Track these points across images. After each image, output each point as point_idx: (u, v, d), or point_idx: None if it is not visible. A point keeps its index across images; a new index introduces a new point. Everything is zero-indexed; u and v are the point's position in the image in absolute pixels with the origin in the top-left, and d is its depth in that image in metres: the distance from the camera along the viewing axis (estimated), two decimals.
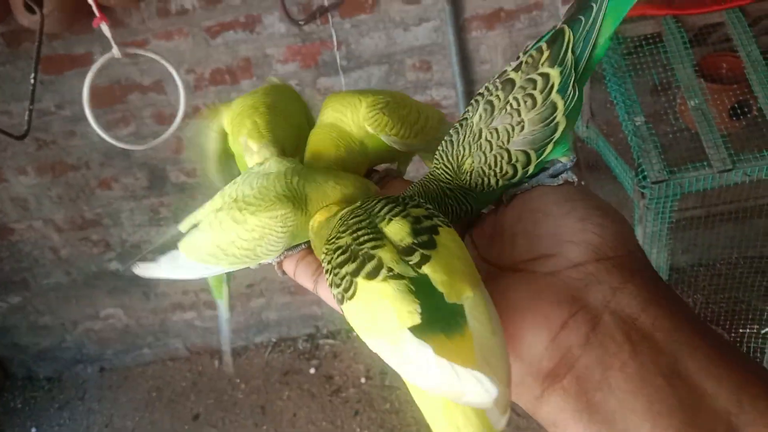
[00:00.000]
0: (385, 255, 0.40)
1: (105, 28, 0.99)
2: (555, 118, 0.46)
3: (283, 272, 0.59)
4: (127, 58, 1.90)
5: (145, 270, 0.62)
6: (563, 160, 0.49)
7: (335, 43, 1.93)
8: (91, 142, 2.10)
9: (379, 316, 0.38)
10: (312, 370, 2.46)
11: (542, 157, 0.47)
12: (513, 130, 0.46)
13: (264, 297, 2.52)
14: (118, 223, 2.31)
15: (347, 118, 0.62)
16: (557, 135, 0.47)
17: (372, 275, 0.39)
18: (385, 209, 0.43)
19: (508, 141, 0.47)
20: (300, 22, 1.17)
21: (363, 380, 2.37)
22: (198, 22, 1.90)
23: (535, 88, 0.46)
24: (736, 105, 1.58)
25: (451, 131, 0.51)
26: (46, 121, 2.06)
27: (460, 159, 0.49)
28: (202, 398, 2.47)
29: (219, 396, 2.47)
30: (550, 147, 0.47)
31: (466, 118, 0.50)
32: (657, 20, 1.53)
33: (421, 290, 0.38)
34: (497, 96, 0.47)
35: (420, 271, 0.39)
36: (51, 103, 2.03)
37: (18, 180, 2.20)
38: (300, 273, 0.56)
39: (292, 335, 2.63)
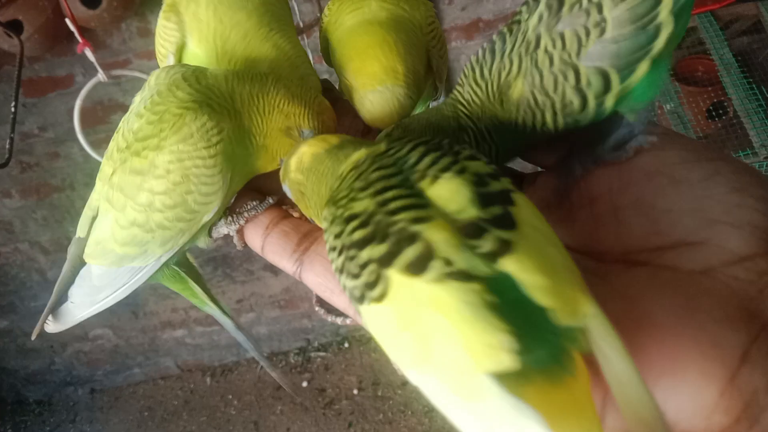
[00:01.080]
0: (437, 235, 0.25)
1: (89, 54, 1.00)
2: (656, 15, 0.30)
3: (244, 245, 0.42)
4: (109, 79, 1.91)
5: (59, 321, 0.45)
6: (637, 113, 0.32)
7: (311, 58, 1.95)
8: (75, 162, 2.10)
9: (431, 339, 0.24)
10: (304, 384, 2.46)
11: (628, 80, 0.31)
12: (587, 34, 0.30)
13: (254, 312, 2.51)
14: None
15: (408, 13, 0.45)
16: (657, 45, 0.30)
17: (416, 268, 0.25)
18: (427, 159, 0.28)
19: (579, 53, 0.31)
20: None
21: (355, 392, 2.37)
22: None
23: None
24: (711, 107, 1.61)
25: (494, 37, 0.35)
26: (30, 144, 2.06)
27: (503, 77, 0.33)
28: (194, 416, 2.46)
29: (212, 413, 2.45)
30: (644, 66, 0.30)
31: (519, 21, 0.34)
32: None
33: (509, 303, 0.23)
34: None
35: (497, 267, 0.24)
36: (34, 125, 2.03)
37: (2, 203, 2.19)
38: (272, 247, 0.39)
39: (284, 349, 2.62)
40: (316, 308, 0.51)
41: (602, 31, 0.30)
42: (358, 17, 0.45)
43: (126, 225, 0.38)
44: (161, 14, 0.49)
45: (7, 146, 0.95)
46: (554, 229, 0.32)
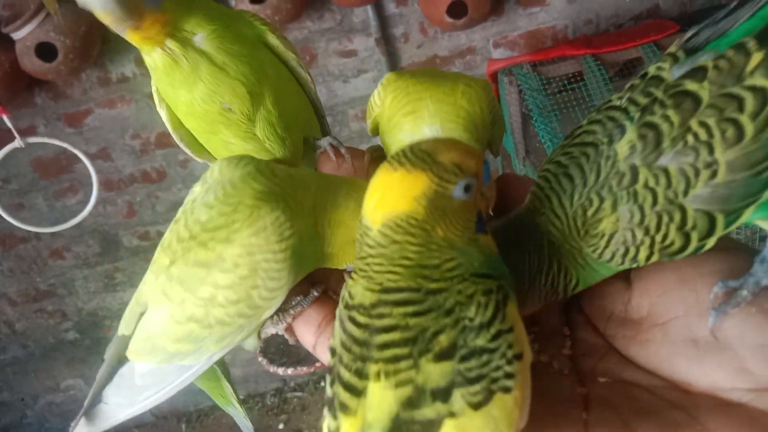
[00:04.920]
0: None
1: (6, 120, 1.03)
2: None
3: (296, 340, 0.40)
4: (71, 128, 1.92)
5: (92, 424, 0.43)
6: None
7: None
8: (40, 212, 2.09)
9: None
10: (281, 426, 2.42)
11: (732, 225, 0.30)
12: (697, 175, 0.29)
13: (229, 353, 2.49)
14: (72, 291, 2.28)
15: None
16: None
17: None
18: (389, 340, 0.28)
19: (686, 193, 0.29)
20: None
21: None
22: (140, 88, 1.93)
23: (741, 111, 0.28)
24: None
25: (560, 157, 0.34)
26: None
27: (590, 213, 0.32)
28: None
29: None
30: (749, 210, 0.29)
31: (596, 144, 0.32)
32: (578, 60, 1.61)
33: None
34: (665, 117, 0.30)
35: None
36: None
37: None
38: (326, 348, 0.36)
39: (260, 391, 2.59)
40: (259, 359, 0.50)
41: (713, 174, 0.29)
42: (416, 122, 0.43)
43: (182, 320, 0.37)
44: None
45: None
46: (628, 347, 0.30)
